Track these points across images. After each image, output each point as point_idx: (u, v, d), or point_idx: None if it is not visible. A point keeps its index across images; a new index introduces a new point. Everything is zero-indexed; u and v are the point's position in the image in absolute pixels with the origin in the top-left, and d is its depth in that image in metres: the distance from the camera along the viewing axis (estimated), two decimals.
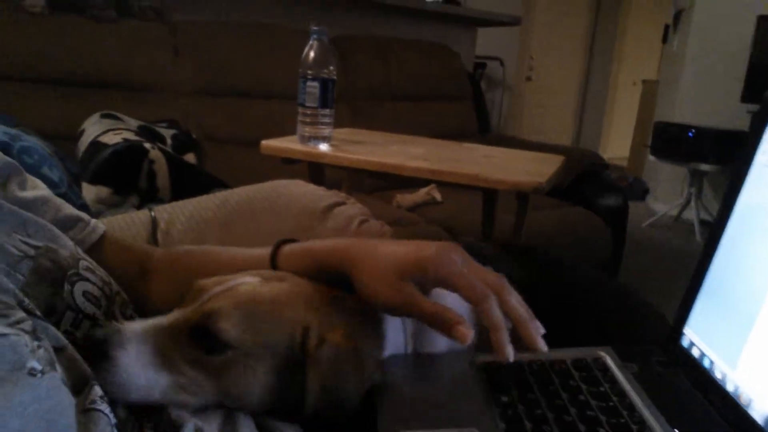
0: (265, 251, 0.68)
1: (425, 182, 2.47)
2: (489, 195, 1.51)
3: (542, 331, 0.58)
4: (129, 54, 2.14)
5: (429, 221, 2.18)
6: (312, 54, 1.29)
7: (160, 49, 2.22)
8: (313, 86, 1.28)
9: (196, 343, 0.51)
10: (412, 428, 0.53)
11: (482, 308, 0.55)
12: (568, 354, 0.67)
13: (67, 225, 0.66)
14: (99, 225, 0.73)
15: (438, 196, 2.40)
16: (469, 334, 0.54)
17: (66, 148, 1.60)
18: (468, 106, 3.07)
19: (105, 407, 0.47)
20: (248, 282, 0.57)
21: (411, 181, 2.47)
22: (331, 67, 1.30)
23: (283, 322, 0.54)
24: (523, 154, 1.54)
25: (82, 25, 2.06)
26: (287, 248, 0.67)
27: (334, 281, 0.61)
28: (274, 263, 0.67)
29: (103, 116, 1.73)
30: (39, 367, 0.44)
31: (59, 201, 0.68)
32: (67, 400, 0.45)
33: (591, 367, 0.64)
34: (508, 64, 4.59)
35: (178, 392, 0.51)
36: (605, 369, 0.64)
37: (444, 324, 0.55)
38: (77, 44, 2.05)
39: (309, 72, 1.29)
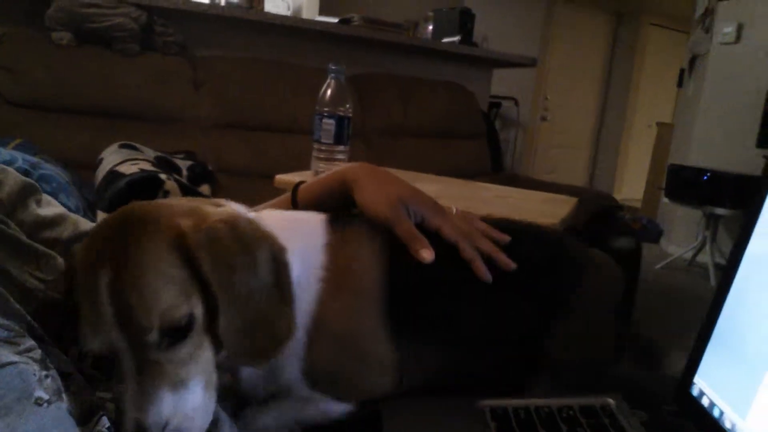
0: (287, 194, 0.86)
1: None
2: None
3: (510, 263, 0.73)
4: (151, 87, 2.19)
5: None
6: (329, 92, 1.31)
7: (180, 83, 2.28)
8: (329, 123, 1.30)
9: None
10: None
11: (460, 246, 0.72)
12: (575, 400, 0.66)
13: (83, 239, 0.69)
14: None
15: None
16: (429, 257, 0.68)
17: (86, 176, 1.63)
18: (482, 145, 3.09)
19: None
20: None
21: None
22: (347, 105, 1.32)
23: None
24: (537, 194, 1.54)
25: (107, 58, 2.13)
26: (302, 186, 0.85)
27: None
28: (294, 201, 0.84)
29: (122, 146, 1.77)
30: (46, 396, 0.45)
31: (75, 217, 0.72)
32: (71, 430, 0.46)
33: (599, 414, 0.63)
34: (523, 104, 4.64)
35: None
36: (613, 416, 0.63)
37: (413, 244, 0.69)
38: (102, 76, 2.11)
39: (325, 109, 1.31)
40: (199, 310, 0.54)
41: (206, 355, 0.55)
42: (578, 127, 6.89)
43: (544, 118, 6.28)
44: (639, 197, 6.37)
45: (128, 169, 1.58)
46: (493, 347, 0.73)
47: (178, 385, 0.52)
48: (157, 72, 2.22)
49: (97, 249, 0.53)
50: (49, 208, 0.69)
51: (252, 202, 0.92)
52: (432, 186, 1.49)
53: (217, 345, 0.56)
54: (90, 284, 0.51)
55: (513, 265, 0.73)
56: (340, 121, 1.31)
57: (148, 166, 1.62)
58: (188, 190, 1.61)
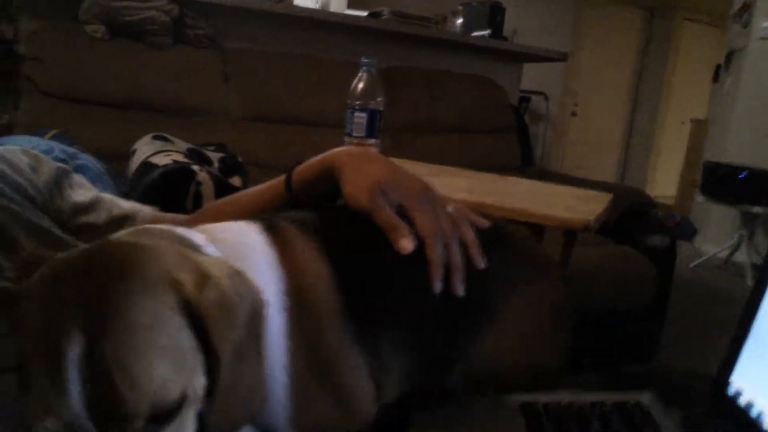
0: (280, 178, 0.79)
1: None
2: (535, 231, 1.49)
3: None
4: (182, 79, 2.21)
5: None
6: (361, 85, 1.31)
7: (210, 76, 2.30)
8: (361, 117, 1.30)
9: None
10: None
11: (427, 242, 0.66)
12: (608, 397, 0.65)
13: (119, 223, 0.71)
14: (146, 210, 0.77)
15: None
16: (408, 247, 0.64)
17: (120, 167, 1.66)
18: (512, 140, 3.06)
19: None
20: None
21: None
22: (379, 99, 1.32)
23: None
24: (570, 190, 1.52)
25: (140, 51, 2.15)
26: (297, 169, 0.78)
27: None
28: (289, 186, 0.78)
29: (155, 138, 1.79)
30: None
31: (108, 198, 0.72)
32: None
33: (632, 411, 0.62)
34: (553, 98, 4.58)
35: None
36: (647, 414, 0.62)
37: (392, 233, 0.65)
38: (134, 69, 2.14)
39: (357, 103, 1.31)
40: (198, 383, 0.44)
41: None
42: (609, 124, 6.79)
43: (573, 114, 6.19)
44: (672, 194, 6.26)
45: (161, 160, 1.60)
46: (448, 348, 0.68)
47: None
48: (188, 65, 2.24)
49: (62, 300, 0.40)
50: (83, 191, 0.71)
51: None
52: (461, 180, 1.48)
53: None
54: (51, 348, 0.39)
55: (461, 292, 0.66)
56: (372, 114, 1.30)
57: (180, 158, 1.64)
58: (220, 181, 1.63)
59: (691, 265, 4.06)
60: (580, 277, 1.83)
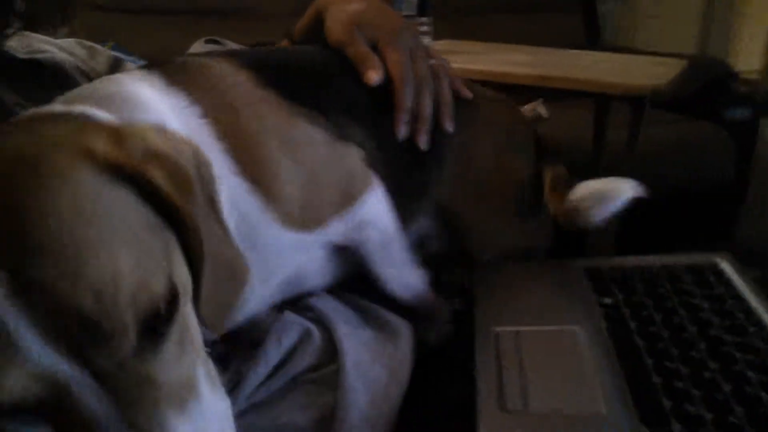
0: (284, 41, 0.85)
1: (530, 100, 2.35)
2: (601, 105, 1.41)
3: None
4: None
5: None
6: None
7: None
8: None
9: None
10: (508, 326, 0.52)
11: (395, 83, 0.65)
12: (679, 259, 0.62)
13: None
14: None
15: (544, 112, 2.29)
16: (375, 78, 0.63)
17: None
18: (575, 17, 2.86)
19: None
20: None
21: (516, 98, 2.37)
22: None
23: None
24: (640, 58, 1.42)
25: None
26: (297, 26, 0.83)
27: None
28: (291, 37, 0.84)
29: (207, 41, 1.78)
30: None
31: None
32: None
33: (705, 272, 0.59)
34: None
35: None
36: (721, 274, 0.59)
37: (361, 65, 0.64)
38: None
39: None
40: (181, 271, 0.37)
41: (197, 340, 0.39)
42: None
43: None
44: (758, 69, 5.78)
45: None
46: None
47: (184, 396, 0.34)
48: None
49: None
50: None
51: None
52: (524, 56, 1.40)
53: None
54: None
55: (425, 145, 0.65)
56: None
57: None
58: None
59: None
60: (650, 156, 1.75)
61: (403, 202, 0.64)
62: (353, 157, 0.59)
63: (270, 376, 0.51)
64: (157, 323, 0.33)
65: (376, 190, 0.60)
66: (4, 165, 0.33)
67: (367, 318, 0.58)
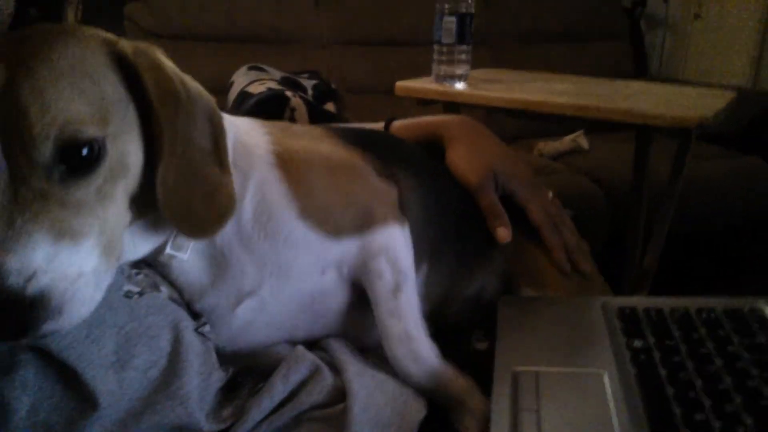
0: (379, 124, 0.83)
1: (571, 130, 2.31)
2: (643, 137, 1.36)
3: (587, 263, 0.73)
4: (274, 8, 2.23)
5: (574, 171, 2.05)
6: None
7: (302, 1, 2.29)
8: (450, 21, 1.23)
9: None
10: (528, 365, 0.49)
11: (543, 231, 0.71)
12: (719, 302, 0.58)
13: None
14: None
15: (585, 144, 2.25)
16: (506, 237, 0.68)
17: (220, 101, 1.71)
18: (624, 47, 2.82)
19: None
20: None
21: (556, 129, 2.33)
22: (469, 0, 1.24)
23: None
24: (685, 89, 1.37)
25: None
26: (398, 122, 0.82)
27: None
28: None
29: (250, 68, 1.82)
30: (136, 289, 0.47)
31: None
32: (170, 314, 0.48)
33: (746, 318, 0.55)
34: (672, 0, 4.13)
35: None
36: (764, 321, 0.55)
37: (493, 220, 0.69)
38: (224, 1, 2.18)
39: (446, 6, 1.24)
40: (126, 147, 0.44)
41: (113, 213, 0.44)
42: (739, 25, 6.08)
43: (697, 16, 5.59)
44: None
45: (256, 88, 1.63)
46: None
47: (64, 234, 0.39)
48: None
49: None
50: None
51: (374, 117, 0.91)
52: (563, 85, 1.38)
53: (138, 207, 0.47)
54: None
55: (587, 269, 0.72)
56: (462, 18, 1.23)
57: (274, 86, 1.66)
58: (314, 107, 1.64)
59: None
60: (694, 191, 1.68)
61: (462, 259, 0.70)
62: (388, 191, 0.62)
63: (274, 412, 0.50)
64: (75, 163, 0.40)
65: (400, 227, 0.60)
66: (45, 34, 0.43)
67: (385, 361, 0.56)
